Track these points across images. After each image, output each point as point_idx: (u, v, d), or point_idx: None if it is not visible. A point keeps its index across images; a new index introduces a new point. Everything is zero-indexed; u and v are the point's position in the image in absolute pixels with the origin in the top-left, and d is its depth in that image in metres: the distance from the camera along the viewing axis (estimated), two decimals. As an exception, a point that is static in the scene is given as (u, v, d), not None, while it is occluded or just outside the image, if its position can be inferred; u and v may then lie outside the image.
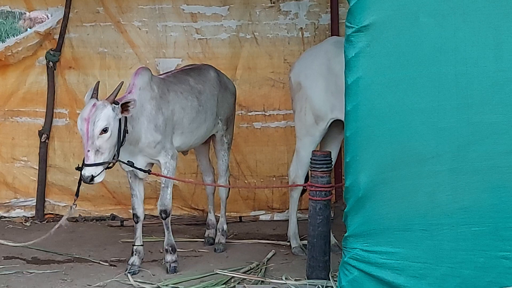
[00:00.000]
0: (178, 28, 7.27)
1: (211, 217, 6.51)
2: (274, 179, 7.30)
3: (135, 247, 5.70)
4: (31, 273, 5.67)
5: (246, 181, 7.31)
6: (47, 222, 7.24)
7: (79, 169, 5.21)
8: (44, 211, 7.39)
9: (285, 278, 5.37)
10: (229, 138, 6.37)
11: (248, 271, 5.61)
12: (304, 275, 5.38)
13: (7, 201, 7.45)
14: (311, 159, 5.41)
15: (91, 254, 6.16)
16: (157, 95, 5.62)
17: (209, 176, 6.55)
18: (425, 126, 4.47)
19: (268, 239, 6.55)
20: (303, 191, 6.12)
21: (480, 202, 4.45)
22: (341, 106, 4.90)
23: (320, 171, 5.32)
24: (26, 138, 7.42)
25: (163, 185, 5.67)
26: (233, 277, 5.44)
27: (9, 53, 7.23)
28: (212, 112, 6.07)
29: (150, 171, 5.64)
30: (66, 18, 7.23)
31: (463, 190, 4.46)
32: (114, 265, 5.86)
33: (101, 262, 5.92)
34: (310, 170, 5.48)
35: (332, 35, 6.96)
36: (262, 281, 5.37)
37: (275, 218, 7.29)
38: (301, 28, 7.22)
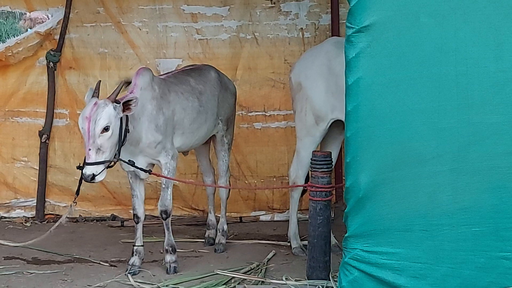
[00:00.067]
0: (178, 29, 7.27)
1: (211, 218, 6.51)
2: (274, 179, 7.30)
3: (135, 248, 5.70)
4: (32, 273, 5.67)
5: (246, 182, 7.31)
6: (47, 222, 7.24)
7: (80, 168, 5.20)
8: (44, 211, 7.39)
9: (286, 278, 5.37)
10: (229, 139, 6.37)
11: (248, 271, 5.60)
12: (305, 276, 5.38)
13: (8, 202, 7.45)
14: (311, 159, 5.40)
15: (92, 254, 6.16)
16: (158, 95, 5.62)
17: (210, 176, 6.55)
18: (426, 127, 4.47)
19: (268, 240, 6.55)
20: (304, 192, 6.12)
21: (480, 203, 4.45)
22: (341, 106, 4.90)
23: (321, 172, 5.32)
24: (26, 139, 7.42)
25: (163, 186, 5.67)
26: (233, 277, 5.44)
27: (10, 54, 7.23)
28: (212, 112, 6.07)
29: (151, 171, 5.64)
30: (66, 18, 7.23)
31: (463, 190, 4.46)
32: (115, 266, 5.86)
33: (101, 263, 5.92)
34: (311, 171, 5.48)
35: (332, 36, 6.97)
36: (263, 282, 5.37)
37: (275, 219, 7.29)
38: (302, 28, 7.22)
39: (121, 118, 5.24)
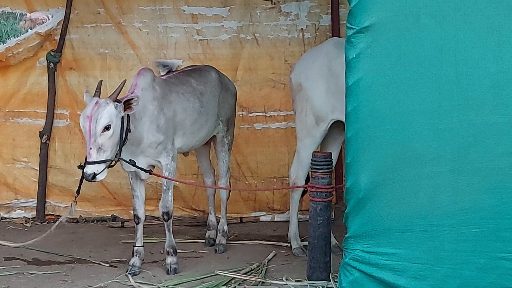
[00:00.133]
0: (178, 29, 7.27)
1: (211, 218, 6.51)
2: (274, 180, 7.30)
3: (135, 248, 5.70)
4: (32, 274, 5.67)
5: (246, 182, 7.31)
6: (47, 223, 7.24)
7: (81, 167, 5.20)
8: (44, 212, 7.39)
9: (286, 279, 5.38)
10: (229, 139, 6.37)
11: (248, 272, 5.60)
12: (305, 276, 5.38)
13: (8, 202, 7.46)
14: (311, 160, 5.41)
15: (92, 255, 6.16)
16: (159, 95, 5.62)
17: (210, 177, 6.55)
18: (426, 127, 4.47)
19: (268, 240, 6.55)
20: (304, 192, 6.12)
21: (480, 203, 4.45)
22: (341, 107, 4.90)
23: (321, 172, 5.32)
24: (26, 139, 7.42)
25: (164, 188, 5.67)
26: (233, 278, 5.44)
27: (10, 54, 7.23)
28: (213, 113, 6.07)
29: (152, 171, 5.64)
30: (66, 19, 7.23)
31: (463, 191, 4.46)
32: (115, 266, 5.86)
33: (101, 263, 5.92)
34: (311, 171, 5.48)
35: (332, 36, 6.97)
36: (263, 282, 5.37)
37: (275, 219, 7.29)
38: (302, 29, 7.22)
39: (122, 118, 5.25)
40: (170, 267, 5.65)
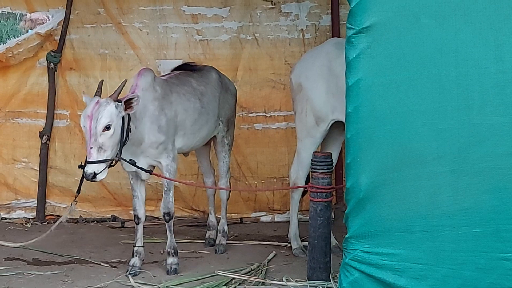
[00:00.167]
0: (179, 30, 7.27)
1: (211, 219, 6.51)
2: (275, 180, 7.30)
3: (135, 249, 5.70)
4: (32, 274, 5.67)
5: (247, 183, 7.31)
6: (48, 223, 7.23)
7: (82, 167, 5.20)
8: (45, 212, 7.39)
9: (286, 279, 5.38)
10: (230, 140, 6.37)
11: (248, 272, 5.60)
12: (305, 277, 5.38)
13: (8, 202, 7.46)
14: (312, 160, 5.41)
15: (92, 255, 6.16)
16: (160, 96, 5.62)
17: (210, 177, 6.55)
18: (426, 128, 4.47)
19: (268, 241, 6.55)
20: (304, 193, 6.12)
21: (481, 204, 4.45)
22: (342, 107, 4.90)
23: (321, 173, 5.32)
24: (27, 140, 7.42)
25: (165, 189, 5.67)
26: (233, 278, 5.44)
27: (10, 55, 7.23)
28: (214, 113, 6.07)
29: (152, 171, 5.64)
30: (67, 19, 7.23)
31: (464, 191, 4.46)
32: (115, 267, 5.86)
33: (101, 264, 5.92)
34: (311, 171, 5.48)
35: (333, 37, 6.97)
36: (263, 283, 5.37)
37: (275, 220, 7.28)
38: (302, 29, 7.22)
39: (123, 117, 5.25)
40: (171, 267, 5.65)
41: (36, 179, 7.39)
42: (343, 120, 4.87)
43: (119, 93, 5.30)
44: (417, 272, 4.56)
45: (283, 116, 7.24)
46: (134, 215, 5.73)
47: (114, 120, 5.17)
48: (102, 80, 5.54)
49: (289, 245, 6.22)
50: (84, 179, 5.25)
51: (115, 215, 7.33)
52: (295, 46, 7.22)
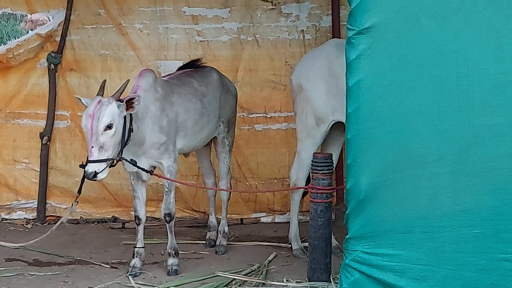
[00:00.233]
0: (179, 30, 7.27)
1: (212, 219, 6.51)
2: (275, 181, 7.30)
3: (136, 249, 5.70)
4: (32, 275, 5.67)
5: (247, 183, 7.31)
6: (48, 224, 7.23)
7: (83, 166, 5.20)
8: (45, 213, 7.39)
9: (286, 280, 5.38)
10: (230, 140, 6.37)
11: (249, 273, 5.60)
12: (305, 277, 5.38)
13: (9, 203, 7.46)
14: (312, 161, 5.41)
15: (92, 256, 6.16)
16: (161, 96, 5.63)
17: (211, 178, 6.55)
18: (426, 129, 4.47)
19: (269, 241, 6.55)
20: (305, 193, 6.12)
21: (481, 204, 4.45)
22: (342, 108, 4.90)
23: (321, 173, 5.32)
24: (27, 140, 7.42)
25: (166, 190, 5.67)
26: (234, 279, 5.44)
27: (11, 55, 7.23)
28: (214, 114, 6.07)
29: (153, 171, 5.64)
30: (67, 20, 7.24)
31: (464, 192, 4.46)
32: (115, 267, 5.86)
33: (102, 264, 5.92)
34: (311, 172, 5.48)
35: (333, 37, 6.97)
36: (263, 283, 5.37)
37: (276, 220, 7.28)
38: (302, 30, 7.22)
39: (124, 117, 5.25)
40: (171, 268, 5.65)
41: (36, 180, 7.39)
42: (344, 121, 4.87)
43: (121, 93, 5.31)
44: (417, 273, 4.56)
45: (283, 117, 7.24)
46: (135, 216, 5.73)
47: (116, 120, 5.18)
48: (105, 80, 5.55)
49: (289, 246, 6.23)
50: (85, 179, 5.25)
51: (115, 216, 7.33)
52: (295, 47, 7.22)
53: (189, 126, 5.81)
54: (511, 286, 4.44)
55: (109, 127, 5.15)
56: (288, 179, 6.48)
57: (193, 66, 6.24)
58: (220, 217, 6.47)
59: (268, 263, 5.86)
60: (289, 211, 6.37)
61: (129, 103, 5.25)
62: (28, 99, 7.38)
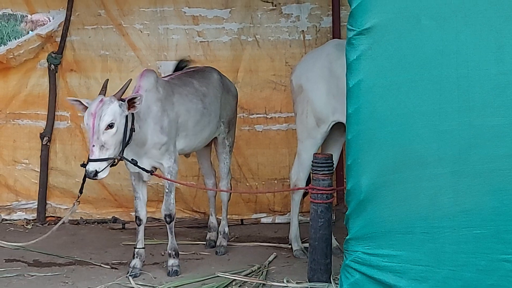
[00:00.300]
0: (179, 31, 7.27)
1: (212, 220, 6.51)
2: (275, 181, 7.30)
3: (136, 250, 5.70)
4: (32, 275, 5.67)
5: (247, 184, 7.31)
6: (48, 224, 7.24)
7: (84, 165, 5.20)
8: (45, 213, 7.39)
9: (287, 281, 5.38)
10: (231, 141, 6.37)
11: (249, 274, 5.60)
12: (306, 278, 5.38)
13: (9, 204, 7.46)
14: (312, 161, 5.40)
15: (93, 256, 6.16)
16: (163, 97, 5.63)
17: (211, 179, 6.55)
18: (427, 129, 4.47)
19: (269, 242, 6.55)
20: (305, 194, 6.12)
21: (481, 205, 4.45)
22: (342, 108, 4.90)
23: (322, 174, 5.32)
24: (27, 141, 7.42)
25: (167, 191, 5.67)
26: (234, 280, 5.44)
27: (11, 56, 7.24)
28: (215, 114, 6.07)
29: (153, 171, 5.63)
30: (67, 20, 7.24)
31: (464, 193, 4.46)
32: (116, 268, 5.86)
33: (102, 265, 5.92)
34: (312, 173, 5.48)
35: (333, 38, 6.97)
36: (264, 284, 5.37)
37: (276, 221, 7.28)
38: (303, 30, 7.22)
39: (126, 117, 5.25)
40: (172, 269, 5.65)
41: (36, 180, 7.39)
42: (344, 121, 4.87)
43: (123, 92, 5.31)
44: (417, 274, 4.56)
45: (283, 117, 7.24)
46: (136, 217, 5.73)
47: (117, 119, 5.18)
48: (108, 79, 5.55)
49: (289, 246, 6.22)
50: (87, 178, 5.25)
51: (115, 216, 7.33)
52: (295, 48, 7.22)
53: (190, 127, 5.81)
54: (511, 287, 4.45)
55: (110, 126, 5.16)
56: (288, 180, 6.48)
57: (182, 66, 6.24)
58: (220, 217, 6.47)
59: (268, 264, 5.86)
60: (290, 211, 6.37)
61: (131, 103, 5.26)
62: (28, 99, 7.39)
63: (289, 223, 6.28)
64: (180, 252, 5.80)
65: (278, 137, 7.28)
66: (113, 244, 6.56)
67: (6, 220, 7.38)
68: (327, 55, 5.78)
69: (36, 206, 7.38)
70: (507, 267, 4.44)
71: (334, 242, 5.89)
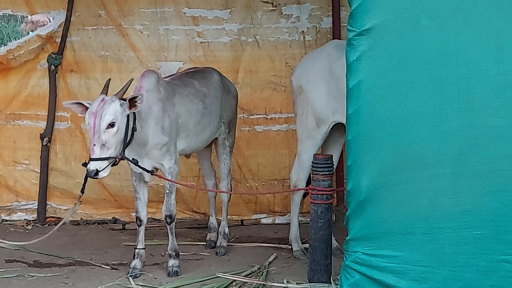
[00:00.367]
0: (179, 32, 7.27)
1: (212, 221, 6.51)
2: (275, 182, 7.30)
3: (136, 251, 5.70)
4: (33, 276, 5.67)
5: (247, 185, 7.31)
6: (48, 225, 7.24)
7: (85, 165, 5.20)
8: (45, 214, 7.39)
9: (287, 281, 5.37)
10: (231, 142, 6.37)
11: (249, 274, 5.60)
12: (306, 279, 5.37)
13: (9, 204, 7.46)
14: (312, 162, 5.40)
15: (93, 257, 6.16)
16: (164, 97, 5.63)
17: (211, 179, 6.55)
18: (427, 130, 4.47)
19: (269, 243, 6.55)
20: (305, 195, 6.12)
21: (481, 206, 4.45)
22: (342, 109, 4.90)
23: (322, 175, 5.32)
24: (27, 141, 7.43)
25: (167, 191, 5.67)
26: (234, 280, 5.44)
27: (11, 57, 7.24)
28: (216, 115, 6.07)
29: (154, 171, 5.63)
30: (67, 21, 7.24)
31: (464, 193, 4.46)
32: (116, 269, 5.86)
33: (102, 266, 5.92)
34: (312, 174, 5.48)
35: (333, 39, 6.97)
36: (264, 285, 5.37)
37: (276, 222, 7.28)
38: (303, 31, 7.22)
39: (127, 116, 5.25)
40: (172, 269, 5.65)
41: (37, 181, 7.39)
42: (344, 122, 4.87)
43: (125, 91, 5.32)
44: (417, 274, 4.56)
45: (283, 118, 7.24)
46: (136, 217, 5.73)
47: (118, 118, 5.19)
48: (110, 79, 5.56)
49: (289, 247, 6.22)
50: (88, 178, 5.25)
51: (116, 217, 7.33)
52: (295, 48, 7.22)
53: (191, 127, 5.82)
54: (512, 288, 4.45)
55: (111, 125, 5.16)
56: (288, 180, 6.48)
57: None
58: (220, 218, 6.47)
59: (268, 265, 5.86)
60: (290, 212, 6.37)
61: (132, 102, 5.26)
62: (28, 100, 7.39)
63: (289, 223, 6.28)
64: (180, 253, 5.80)
65: (278, 138, 7.28)
66: (113, 244, 6.56)
67: (6, 220, 7.38)
68: (327, 55, 5.78)
69: (36, 207, 7.38)
70: (507, 268, 4.45)
71: (334, 243, 5.89)
